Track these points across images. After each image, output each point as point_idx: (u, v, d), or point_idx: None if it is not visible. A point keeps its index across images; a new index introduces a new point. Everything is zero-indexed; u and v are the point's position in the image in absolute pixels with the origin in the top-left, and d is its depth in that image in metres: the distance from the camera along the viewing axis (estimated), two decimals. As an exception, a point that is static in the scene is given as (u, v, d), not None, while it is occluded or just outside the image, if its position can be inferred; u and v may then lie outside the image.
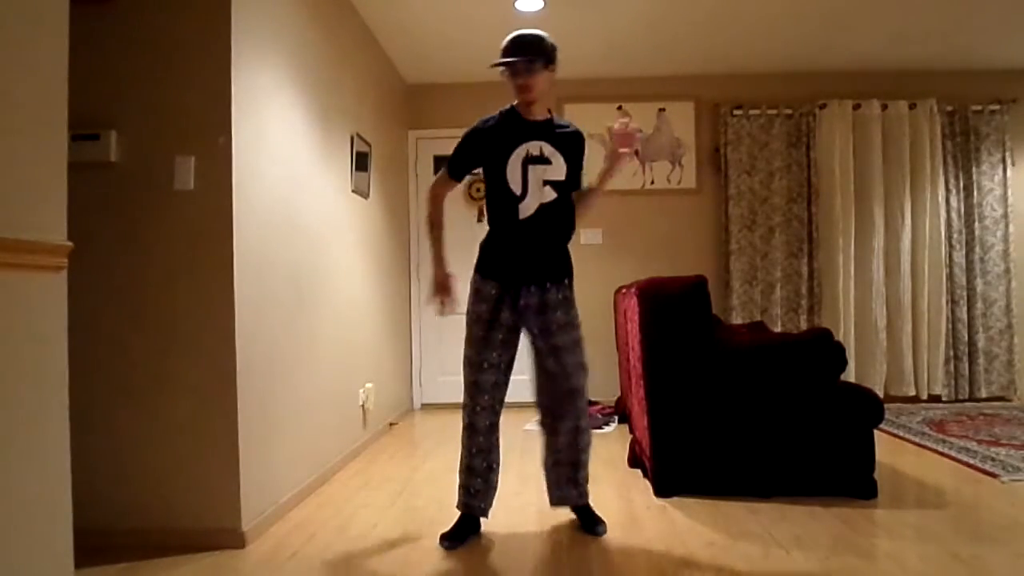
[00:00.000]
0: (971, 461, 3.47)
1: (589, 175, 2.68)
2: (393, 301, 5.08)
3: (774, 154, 5.46)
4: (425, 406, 5.67)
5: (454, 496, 2.65)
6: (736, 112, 5.47)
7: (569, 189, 2.58)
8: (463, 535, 2.55)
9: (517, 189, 2.52)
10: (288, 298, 3.03)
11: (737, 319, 5.34)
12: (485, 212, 2.66)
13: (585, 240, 5.32)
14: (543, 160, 2.52)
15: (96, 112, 2.48)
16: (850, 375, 5.22)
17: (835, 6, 4.29)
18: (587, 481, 2.68)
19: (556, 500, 2.70)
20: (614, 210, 5.22)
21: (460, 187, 2.73)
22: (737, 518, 2.74)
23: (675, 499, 3.00)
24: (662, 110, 5.57)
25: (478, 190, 5.42)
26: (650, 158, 5.59)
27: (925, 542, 2.44)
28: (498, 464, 2.63)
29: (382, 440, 4.41)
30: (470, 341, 2.56)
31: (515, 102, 2.57)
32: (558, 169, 2.54)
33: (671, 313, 3.05)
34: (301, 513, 2.90)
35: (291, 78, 3.10)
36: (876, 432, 3.02)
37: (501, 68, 2.50)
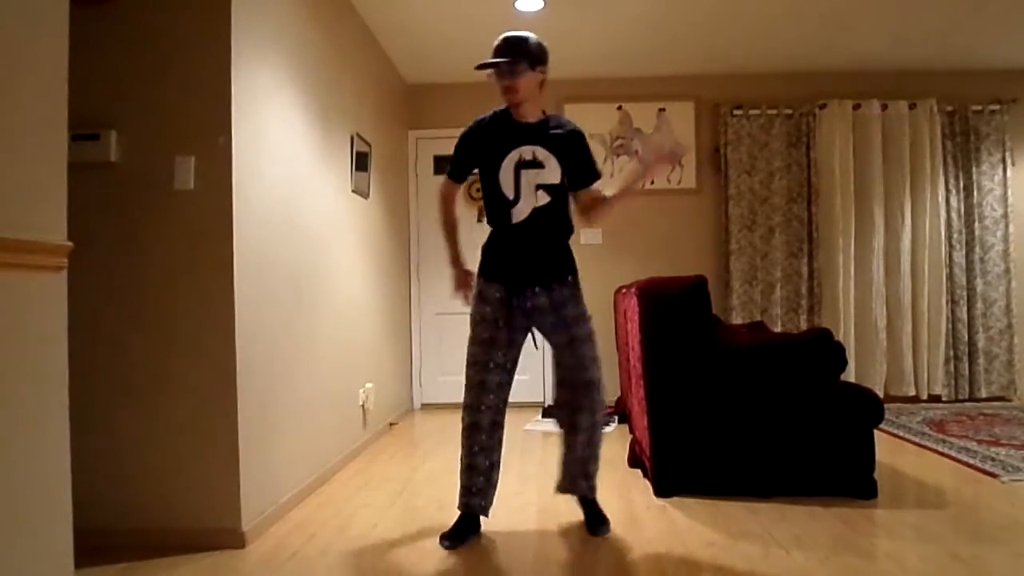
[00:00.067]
0: (971, 461, 3.47)
1: (606, 179, 2.65)
2: (393, 301, 5.08)
3: (774, 154, 5.46)
4: (425, 406, 5.67)
5: (454, 496, 2.65)
6: (736, 112, 5.47)
7: (563, 192, 2.57)
8: (463, 535, 2.54)
9: (510, 194, 2.53)
10: (288, 298, 3.03)
11: (737, 319, 5.34)
12: (485, 212, 2.66)
13: (585, 240, 5.32)
14: (536, 164, 2.51)
15: (96, 112, 2.48)
16: (850, 375, 5.22)
17: (835, 6, 4.29)
18: (596, 475, 2.68)
19: (564, 488, 2.70)
20: (614, 210, 5.21)
21: (460, 187, 2.73)
22: (737, 518, 2.74)
23: (675, 499, 3.00)
24: (662, 110, 5.57)
25: (478, 190, 5.40)
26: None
27: (925, 542, 2.44)
28: (500, 462, 2.63)
29: (382, 440, 4.41)
30: (475, 342, 2.57)
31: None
32: (551, 173, 2.52)
33: (671, 313, 3.05)
34: (301, 513, 2.90)
35: (291, 78, 3.10)
36: (876, 432, 3.02)
37: (488, 70, 2.48)
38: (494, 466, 2.61)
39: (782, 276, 5.44)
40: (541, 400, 5.52)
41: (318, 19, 3.45)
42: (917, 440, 4.00)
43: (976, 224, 5.47)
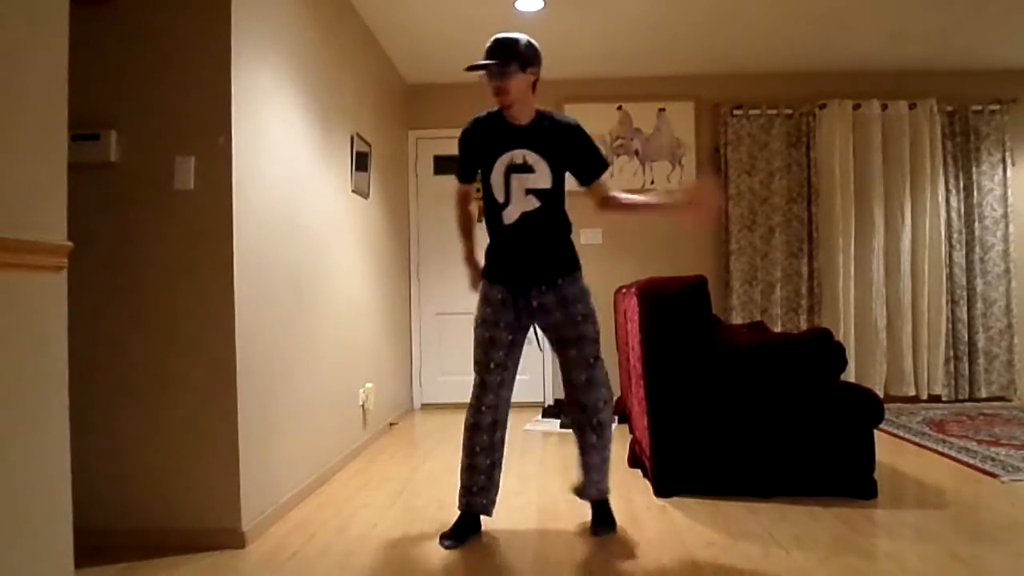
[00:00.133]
0: (971, 461, 3.47)
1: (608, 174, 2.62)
2: (393, 301, 5.08)
3: (774, 154, 5.47)
4: (425, 406, 5.67)
5: (454, 496, 2.65)
6: (736, 112, 5.47)
7: (555, 195, 2.53)
8: (463, 535, 2.55)
9: (500, 197, 2.52)
10: (288, 298, 3.03)
11: (737, 319, 5.35)
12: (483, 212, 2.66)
13: (585, 240, 5.31)
14: (526, 169, 2.49)
15: (96, 112, 2.48)
16: (850, 375, 5.22)
17: (835, 6, 4.29)
18: (607, 477, 2.65)
19: (579, 492, 2.70)
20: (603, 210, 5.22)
21: (472, 186, 2.72)
22: (737, 518, 2.74)
23: (675, 499, 3.00)
24: (662, 110, 5.57)
25: (478, 190, 5.41)
26: (650, 158, 5.59)
27: (925, 542, 2.44)
28: (502, 461, 2.63)
29: (382, 440, 4.42)
30: (477, 343, 2.58)
31: None
32: (541, 177, 2.50)
33: (671, 313, 3.05)
34: (301, 513, 2.90)
35: (291, 78, 3.10)
36: (876, 432, 3.02)
37: (480, 72, 2.46)
38: (495, 464, 2.61)
39: (782, 276, 5.44)
40: (541, 400, 5.52)
41: (318, 19, 3.45)
42: (917, 440, 4.00)
43: (976, 224, 5.47)
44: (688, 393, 3.02)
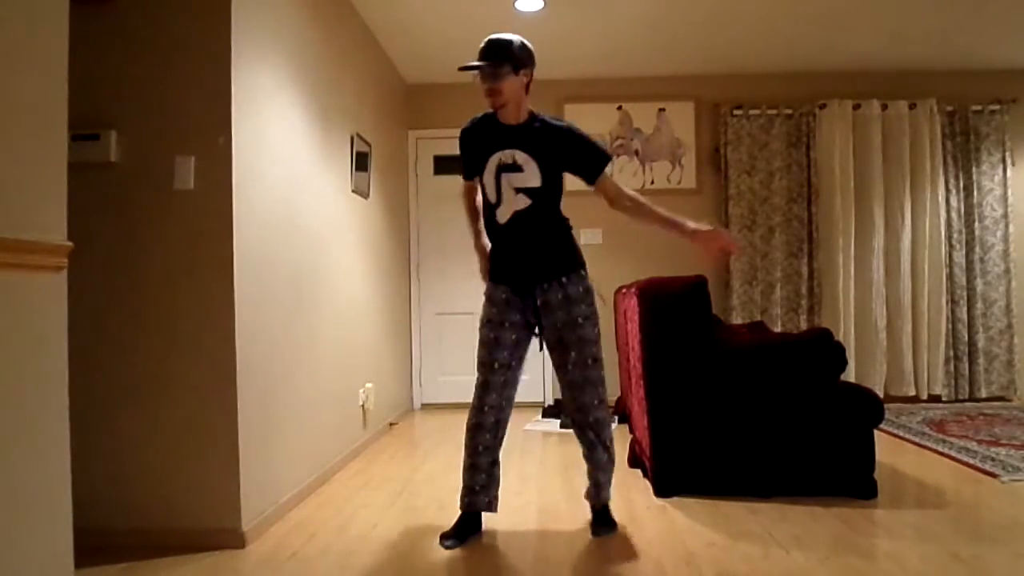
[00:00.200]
0: (971, 461, 3.47)
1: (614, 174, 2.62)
2: (393, 301, 5.08)
3: (774, 154, 5.47)
4: (425, 406, 5.67)
5: (454, 496, 2.65)
6: (736, 112, 5.47)
7: (548, 194, 2.51)
8: (463, 534, 2.55)
9: (493, 197, 2.53)
10: (288, 298, 3.03)
11: (737, 319, 5.34)
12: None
13: (585, 240, 5.30)
14: (515, 168, 2.49)
15: (96, 112, 2.48)
16: (850, 375, 5.22)
17: (835, 6, 4.29)
18: (609, 484, 2.66)
19: (587, 495, 2.69)
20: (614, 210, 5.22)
21: (476, 183, 2.72)
22: (737, 518, 2.74)
23: (675, 499, 3.00)
24: (662, 110, 5.57)
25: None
26: (650, 158, 5.59)
27: (925, 542, 2.44)
28: (499, 459, 2.62)
29: (382, 440, 4.42)
30: (481, 343, 2.58)
31: None
32: (530, 177, 2.49)
33: (671, 313, 3.05)
34: (301, 513, 2.90)
35: (291, 78, 3.10)
36: (876, 432, 3.02)
37: (473, 73, 2.45)
38: (495, 463, 2.61)
39: (782, 276, 5.44)
40: (541, 400, 5.52)
41: (318, 19, 3.45)
42: (917, 440, 4.00)
43: (976, 224, 5.47)
44: (688, 393, 3.02)
